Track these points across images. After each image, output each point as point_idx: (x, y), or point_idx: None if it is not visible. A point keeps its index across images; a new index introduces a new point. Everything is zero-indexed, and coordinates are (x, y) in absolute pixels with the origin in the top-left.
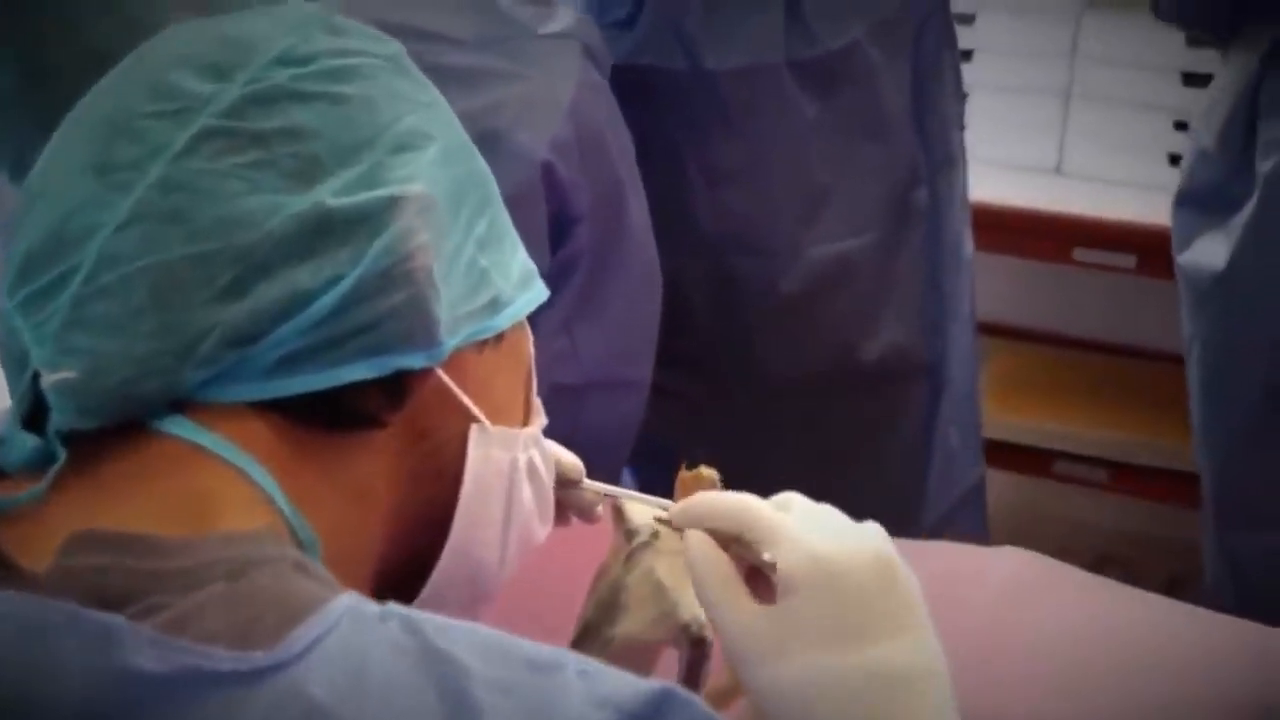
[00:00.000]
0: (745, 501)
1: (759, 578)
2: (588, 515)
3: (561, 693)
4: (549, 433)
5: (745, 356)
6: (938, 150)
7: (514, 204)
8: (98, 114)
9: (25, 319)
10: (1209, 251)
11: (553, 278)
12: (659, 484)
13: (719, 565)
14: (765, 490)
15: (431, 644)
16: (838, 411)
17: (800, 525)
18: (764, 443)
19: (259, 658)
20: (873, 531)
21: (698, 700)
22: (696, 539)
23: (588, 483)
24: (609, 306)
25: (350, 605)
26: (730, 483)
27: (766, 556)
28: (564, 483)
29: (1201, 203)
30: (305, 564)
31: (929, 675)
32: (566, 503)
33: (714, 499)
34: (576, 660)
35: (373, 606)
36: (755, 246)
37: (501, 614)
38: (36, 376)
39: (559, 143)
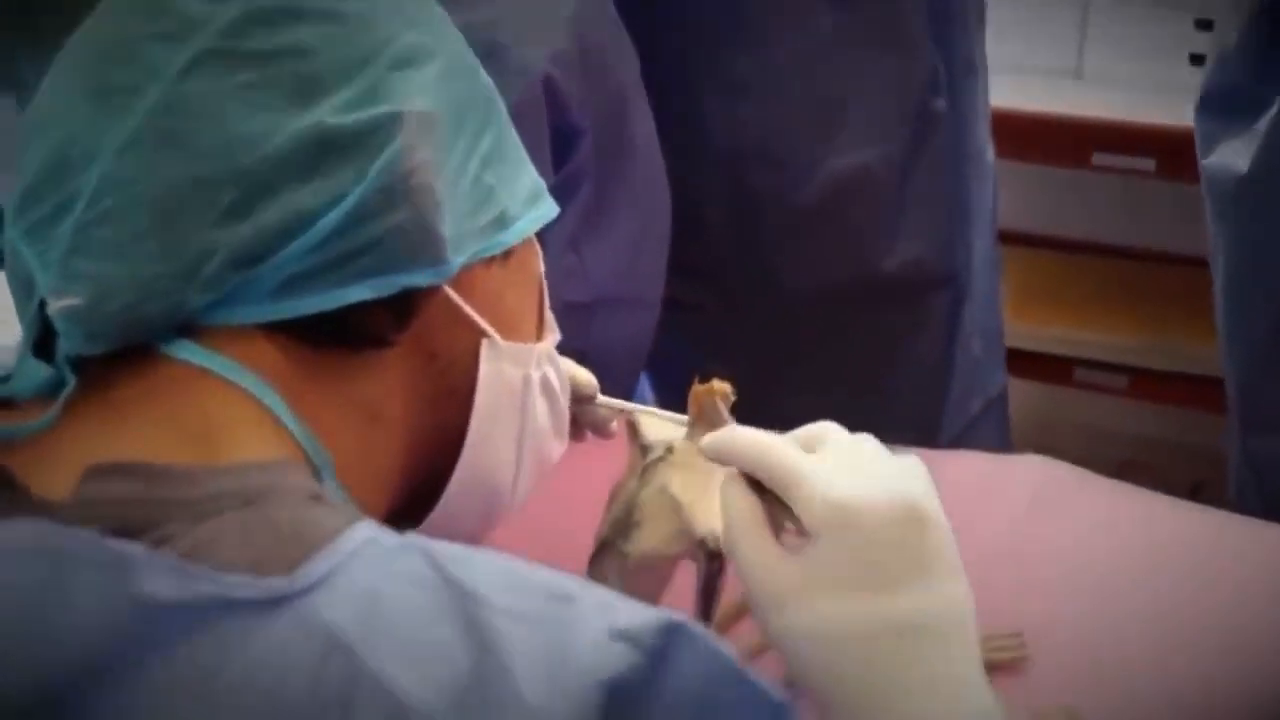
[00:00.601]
0: (767, 444)
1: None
2: (602, 431)
3: (579, 622)
4: (561, 350)
5: (763, 270)
6: (957, 58)
7: (515, 117)
8: (96, 38)
9: (30, 246)
10: (1233, 155)
11: (557, 193)
12: (678, 398)
13: (746, 509)
14: (785, 404)
15: (450, 574)
16: (858, 324)
17: (826, 467)
18: (784, 356)
19: (276, 585)
20: (909, 468)
21: (707, 634)
22: (730, 480)
23: (602, 399)
24: (616, 223)
25: (368, 536)
26: (750, 397)
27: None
28: (579, 398)
29: (1225, 105)
30: (320, 494)
31: (952, 626)
32: (581, 419)
33: (738, 437)
34: (594, 591)
35: (391, 538)
36: (771, 159)
37: (519, 532)
38: (43, 304)
39: (560, 56)
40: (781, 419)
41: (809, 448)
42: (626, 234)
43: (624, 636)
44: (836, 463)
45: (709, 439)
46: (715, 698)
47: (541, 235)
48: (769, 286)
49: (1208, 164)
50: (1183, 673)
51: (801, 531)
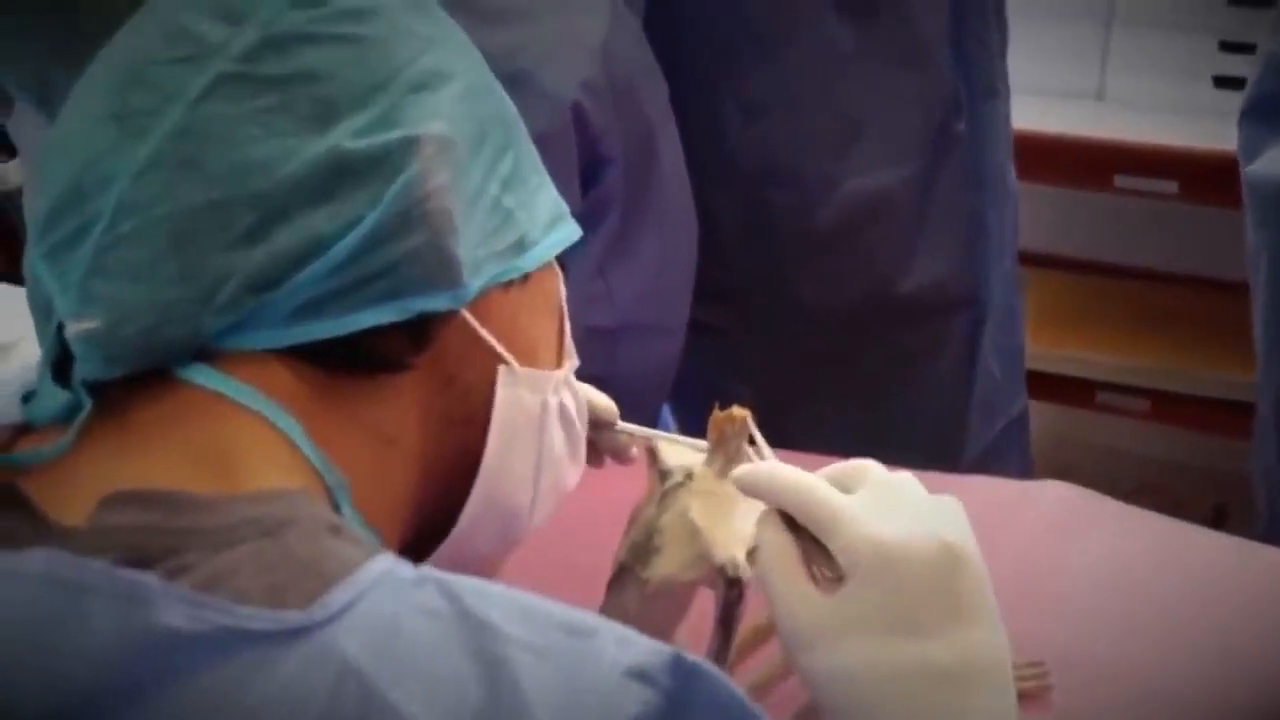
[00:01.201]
0: (805, 484)
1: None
2: (622, 457)
3: (595, 658)
4: (584, 376)
5: (782, 290)
6: (978, 79)
7: (543, 144)
8: (115, 62)
9: (50, 269)
10: (1277, 163)
11: (585, 220)
12: (697, 420)
13: (781, 546)
14: (804, 424)
15: (467, 608)
16: (877, 345)
17: (864, 506)
18: (803, 377)
19: (292, 618)
20: (947, 509)
21: (717, 674)
22: (765, 516)
23: (622, 425)
24: (643, 250)
25: (386, 569)
26: (769, 417)
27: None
28: (598, 425)
29: (1270, 112)
30: (339, 525)
31: (987, 673)
32: (601, 445)
33: (775, 473)
34: (610, 626)
35: (409, 570)
36: (790, 179)
37: (538, 558)
38: (62, 327)
39: (590, 84)
40: (801, 439)
41: (845, 485)
42: (653, 261)
43: (641, 676)
44: (874, 502)
45: (741, 472)
46: None
47: (567, 260)
48: (787, 306)
49: (1250, 171)
50: (1203, 701)
51: (836, 573)
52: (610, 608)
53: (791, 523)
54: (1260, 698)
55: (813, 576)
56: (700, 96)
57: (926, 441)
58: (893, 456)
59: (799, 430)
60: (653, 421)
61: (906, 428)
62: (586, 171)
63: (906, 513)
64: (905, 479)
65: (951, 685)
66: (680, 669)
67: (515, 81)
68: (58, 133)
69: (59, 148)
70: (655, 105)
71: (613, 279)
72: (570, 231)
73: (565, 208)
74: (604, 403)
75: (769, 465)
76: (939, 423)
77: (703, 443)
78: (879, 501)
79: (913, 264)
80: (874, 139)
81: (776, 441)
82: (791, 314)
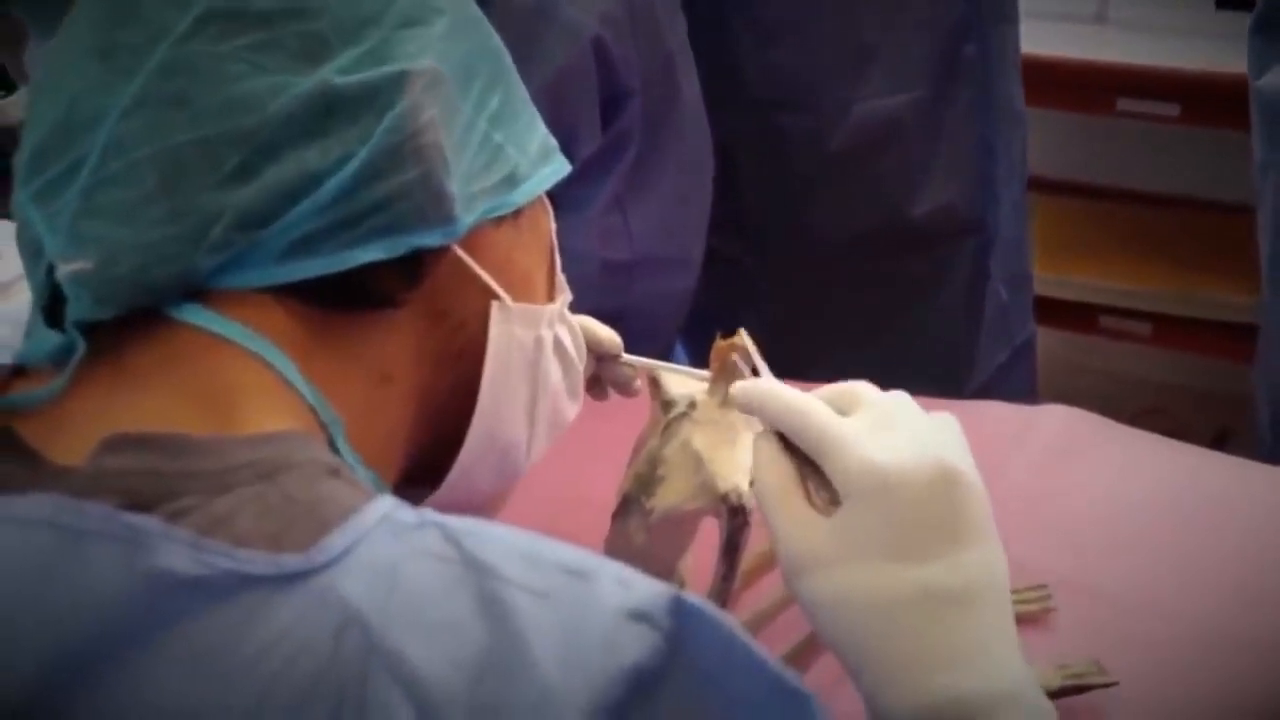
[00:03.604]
0: (801, 406)
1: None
2: (626, 390)
3: (597, 600)
4: (600, 309)
5: (793, 216)
6: (987, 4)
7: (565, 77)
8: None
9: (39, 210)
10: None
11: (605, 153)
12: (706, 350)
13: (778, 470)
14: (815, 351)
15: (468, 550)
16: (887, 270)
17: (860, 430)
18: (814, 303)
19: (293, 561)
20: (943, 428)
21: (711, 610)
22: (762, 438)
23: (626, 356)
24: (661, 183)
25: (385, 512)
26: (780, 345)
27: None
28: (602, 357)
29: None
30: (338, 468)
31: (984, 594)
32: (605, 377)
33: (772, 394)
34: (610, 566)
35: (409, 513)
36: (802, 104)
37: (544, 491)
38: (52, 268)
39: (609, 16)
40: (811, 366)
41: (842, 407)
42: (671, 194)
43: (641, 617)
44: (871, 425)
45: (740, 386)
46: (722, 674)
47: (585, 194)
48: (799, 233)
49: (1261, 85)
50: (1206, 621)
51: (832, 495)
52: (615, 538)
53: (788, 444)
54: (1262, 618)
55: (809, 498)
56: (713, 23)
57: (935, 366)
58: (901, 382)
59: (809, 357)
60: (667, 354)
61: (915, 353)
62: (607, 104)
63: (903, 434)
64: (900, 399)
65: (950, 607)
66: (680, 610)
67: (538, 14)
68: (46, 69)
69: (46, 84)
70: (674, 36)
71: (630, 212)
72: (560, 166)
73: (553, 142)
74: (607, 335)
75: (767, 383)
76: (948, 347)
77: (705, 372)
78: (875, 424)
79: (923, 189)
80: (885, 63)
81: (786, 370)
82: (802, 240)
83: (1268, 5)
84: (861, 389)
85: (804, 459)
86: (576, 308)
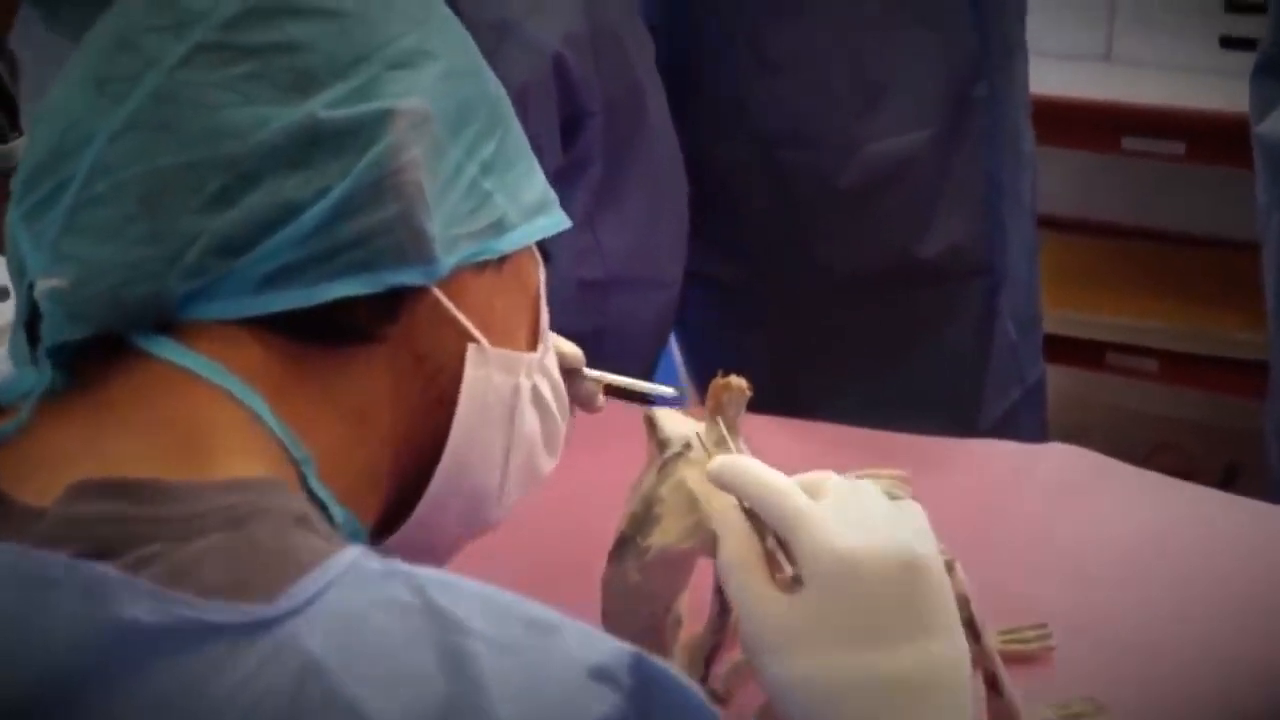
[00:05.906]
0: (772, 484)
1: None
2: (589, 406)
3: (560, 655)
4: (578, 329)
5: (801, 252)
6: (997, 41)
7: (524, 94)
8: (106, 29)
9: (26, 229)
10: None
11: (568, 172)
12: (712, 377)
13: (744, 545)
14: (821, 387)
15: (433, 601)
16: (895, 308)
17: (828, 515)
18: (821, 339)
19: (256, 610)
20: (908, 515)
21: (671, 671)
22: (729, 513)
23: (588, 370)
24: (629, 203)
25: (352, 560)
26: (786, 379)
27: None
28: (564, 371)
29: None
30: (307, 516)
31: (944, 683)
32: (569, 394)
33: (745, 470)
34: (574, 625)
35: (376, 562)
36: (810, 140)
37: (538, 532)
38: (33, 287)
39: (572, 36)
40: (817, 403)
41: (809, 491)
42: (641, 213)
43: (603, 676)
44: (837, 510)
45: (715, 464)
46: None
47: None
48: (806, 268)
49: (1262, 130)
50: (1206, 662)
51: (797, 573)
52: (612, 577)
53: (755, 518)
54: (1263, 659)
55: (773, 575)
56: (721, 56)
57: (942, 407)
58: (909, 421)
59: (815, 393)
60: (651, 373)
61: (923, 393)
62: (567, 123)
63: (868, 520)
64: (864, 486)
65: (909, 696)
66: (642, 670)
67: (501, 30)
68: (49, 97)
69: (46, 111)
70: (639, 57)
71: (601, 232)
72: (556, 220)
73: (554, 197)
74: (570, 349)
75: (739, 461)
76: (956, 387)
77: (668, 391)
78: (841, 508)
79: (933, 227)
80: (895, 101)
81: (792, 405)
82: (810, 275)
83: (1270, 50)
84: (825, 476)
85: (770, 533)
86: (553, 327)
